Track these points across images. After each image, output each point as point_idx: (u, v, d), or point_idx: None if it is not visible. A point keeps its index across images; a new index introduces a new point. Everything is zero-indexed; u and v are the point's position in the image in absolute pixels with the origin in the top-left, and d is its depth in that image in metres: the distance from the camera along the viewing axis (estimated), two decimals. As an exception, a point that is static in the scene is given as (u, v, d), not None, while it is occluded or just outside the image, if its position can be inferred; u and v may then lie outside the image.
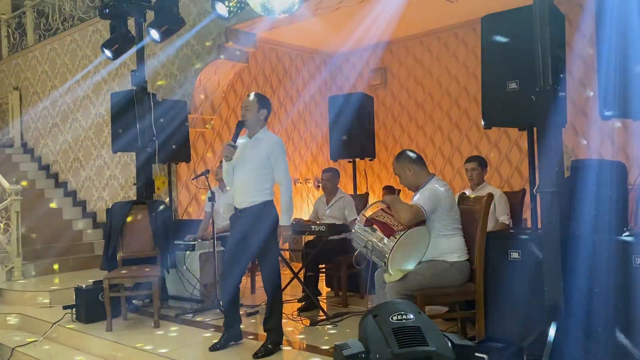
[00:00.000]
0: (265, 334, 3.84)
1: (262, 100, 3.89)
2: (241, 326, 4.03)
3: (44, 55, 9.26)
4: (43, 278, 6.46)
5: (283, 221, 3.82)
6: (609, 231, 3.07)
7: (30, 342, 4.75)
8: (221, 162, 5.79)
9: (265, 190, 3.83)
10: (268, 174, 3.83)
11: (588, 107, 6.53)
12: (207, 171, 5.22)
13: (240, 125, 3.84)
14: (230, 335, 3.94)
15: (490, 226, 4.06)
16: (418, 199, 3.51)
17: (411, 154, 3.72)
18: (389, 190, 6.86)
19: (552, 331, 2.90)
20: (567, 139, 5.70)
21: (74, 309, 4.93)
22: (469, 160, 4.99)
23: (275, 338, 3.80)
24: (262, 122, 3.90)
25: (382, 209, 3.53)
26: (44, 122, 9.16)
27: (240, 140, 3.91)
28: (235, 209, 3.91)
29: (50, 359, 4.41)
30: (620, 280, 2.98)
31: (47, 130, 9.10)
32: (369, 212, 3.57)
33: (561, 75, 3.15)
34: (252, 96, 3.88)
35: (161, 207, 5.14)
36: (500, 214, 4.65)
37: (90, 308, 4.82)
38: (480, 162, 4.93)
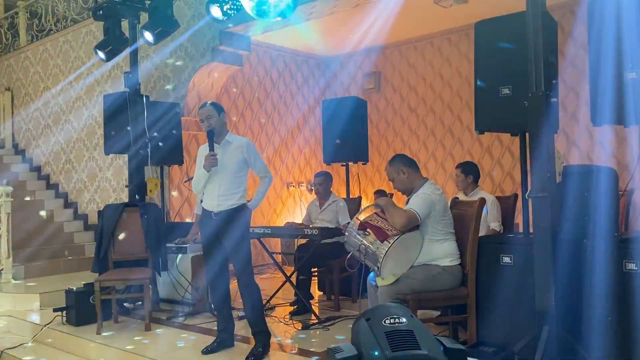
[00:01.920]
0: (254, 337, 3.85)
1: (218, 106, 3.96)
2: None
3: (36, 56, 9.22)
4: (33, 280, 6.41)
5: (252, 204, 3.92)
6: (600, 236, 3.09)
7: (20, 344, 4.71)
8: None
9: (241, 192, 3.89)
10: (243, 177, 3.92)
11: (580, 113, 6.58)
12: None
13: (211, 134, 3.87)
14: (223, 340, 3.94)
15: (481, 232, 4.08)
16: (412, 203, 3.52)
17: (405, 158, 3.73)
18: (380, 194, 6.88)
19: (543, 336, 2.92)
20: (559, 145, 5.73)
21: (65, 312, 4.89)
22: (456, 166, 5.07)
23: (263, 340, 3.80)
24: (225, 126, 3.98)
25: (376, 213, 3.54)
26: (36, 124, 9.10)
27: (204, 149, 3.94)
28: (207, 212, 3.92)
29: (40, 361, 4.38)
30: (611, 285, 3.00)
31: (38, 131, 9.05)
32: (362, 216, 3.58)
33: (553, 81, 3.17)
34: (207, 105, 3.93)
35: (153, 210, 5.12)
36: (491, 220, 4.67)
37: (81, 311, 4.79)
38: (464, 169, 4.95)
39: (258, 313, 3.87)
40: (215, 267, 3.90)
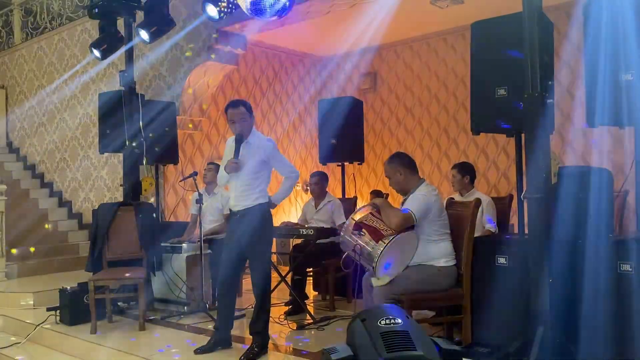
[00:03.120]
0: (252, 337, 3.82)
1: (248, 105, 3.90)
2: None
3: (31, 54, 9.17)
4: (27, 279, 6.38)
5: (275, 199, 3.91)
6: (595, 237, 3.10)
7: (13, 344, 4.68)
8: (209, 164, 5.77)
9: (261, 192, 3.84)
10: (263, 177, 3.86)
11: (575, 115, 6.59)
12: (195, 173, 5.20)
13: (241, 139, 3.82)
14: (219, 339, 3.91)
15: (476, 233, 4.08)
16: (408, 204, 3.52)
17: (404, 159, 3.73)
18: (376, 194, 6.88)
19: (538, 336, 2.92)
20: (554, 146, 5.75)
21: (58, 311, 4.87)
22: (452, 167, 5.06)
23: (261, 341, 3.78)
24: (252, 126, 3.92)
25: (371, 213, 3.54)
26: (30, 122, 9.06)
27: (231, 143, 3.91)
28: (231, 210, 3.93)
29: (33, 361, 4.36)
30: (605, 286, 3.01)
31: (33, 129, 9.01)
32: (358, 216, 3.58)
33: (549, 82, 3.17)
34: (240, 107, 3.83)
35: (148, 209, 5.11)
36: (486, 221, 4.68)
37: (75, 310, 4.77)
38: (460, 169, 4.96)
39: (265, 314, 3.83)
40: (227, 264, 3.87)
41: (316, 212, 5.41)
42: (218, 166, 4.50)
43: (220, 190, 5.56)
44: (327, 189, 5.55)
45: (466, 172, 4.97)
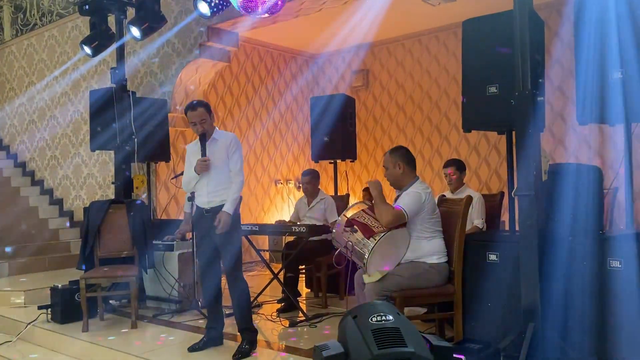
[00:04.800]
0: (240, 334, 3.84)
1: (208, 107, 3.90)
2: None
3: (21, 51, 9.10)
4: (18, 277, 6.34)
5: (226, 207, 3.77)
6: (585, 234, 3.12)
7: (4, 342, 4.66)
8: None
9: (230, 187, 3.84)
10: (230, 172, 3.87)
11: (566, 112, 6.64)
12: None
13: (204, 138, 3.84)
14: (211, 338, 3.91)
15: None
16: (401, 201, 3.53)
17: (407, 153, 3.73)
18: (369, 192, 6.88)
19: (528, 333, 2.94)
20: (545, 143, 5.78)
21: (50, 309, 4.84)
22: (447, 164, 5.04)
23: (250, 337, 3.79)
24: (213, 124, 3.93)
25: (363, 210, 3.54)
26: (21, 119, 9.00)
27: (193, 147, 3.92)
28: (200, 209, 3.90)
29: (24, 360, 4.34)
30: (595, 283, 3.04)
31: (23, 127, 8.95)
32: (350, 213, 3.58)
33: (540, 80, 3.19)
34: (199, 108, 3.81)
35: (140, 207, 5.09)
36: (475, 217, 4.70)
37: (66, 308, 4.75)
38: (458, 166, 4.98)
39: (245, 309, 3.86)
40: (208, 264, 3.88)
41: (309, 210, 5.42)
42: None
43: None
44: (320, 187, 5.55)
45: (462, 169, 5.00)
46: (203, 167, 3.79)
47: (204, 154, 3.80)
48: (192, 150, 3.93)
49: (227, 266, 3.83)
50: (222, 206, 3.78)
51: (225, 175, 3.84)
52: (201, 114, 3.80)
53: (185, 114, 3.88)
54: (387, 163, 3.72)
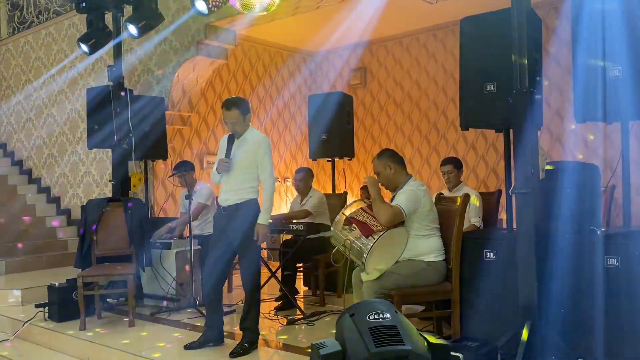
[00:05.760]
0: (242, 332, 3.82)
1: (243, 107, 3.82)
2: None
3: (17, 49, 9.07)
4: (15, 275, 6.33)
5: (261, 219, 3.78)
6: (582, 232, 3.13)
7: (2, 340, 4.65)
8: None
9: (251, 188, 3.82)
10: (254, 173, 3.82)
11: (563, 110, 6.64)
12: (184, 169, 5.18)
13: (232, 139, 3.84)
14: (209, 337, 3.90)
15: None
16: (398, 199, 3.53)
17: (394, 155, 3.74)
18: (366, 190, 6.88)
19: (526, 330, 2.95)
20: (542, 141, 5.78)
21: (47, 308, 4.83)
22: (445, 162, 5.04)
23: (251, 337, 3.78)
24: (247, 125, 3.89)
25: (361, 208, 3.55)
26: (18, 117, 8.97)
27: (224, 142, 3.91)
28: (220, 207, 3.91)
29: (22, 358, 4.32)
30: (592, 281, 3.04)
31: (20, 125, 8.92)
32: (348, 211, 3.59)
33: (537, 78, 3.19)
34: (233, 110, 3.76)
35: (137, 205, 5.08)
36: (472, 216, 4.71)
37: (64, 306, 4.74)
38: (456, 164, 4.98)
39: (253, 313, 3.83)
40: (215, 262, 3.85)
41: (301, 208, 5.41)
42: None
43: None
44: (315, 185, 5.54)
45: (460, 167, 5.00)
46: (224, 167, 3.79)
47: (228, 154, 3.81)
48: (222, 145, 3.92)
49: (246, 272, 3.79)
50: (239, 204, 3.77)
51: (247, 176, 3.81)
52: (233, 117, 3.77)
53: (222, 107, 3.85)
54: (377, 168, 3.73)
